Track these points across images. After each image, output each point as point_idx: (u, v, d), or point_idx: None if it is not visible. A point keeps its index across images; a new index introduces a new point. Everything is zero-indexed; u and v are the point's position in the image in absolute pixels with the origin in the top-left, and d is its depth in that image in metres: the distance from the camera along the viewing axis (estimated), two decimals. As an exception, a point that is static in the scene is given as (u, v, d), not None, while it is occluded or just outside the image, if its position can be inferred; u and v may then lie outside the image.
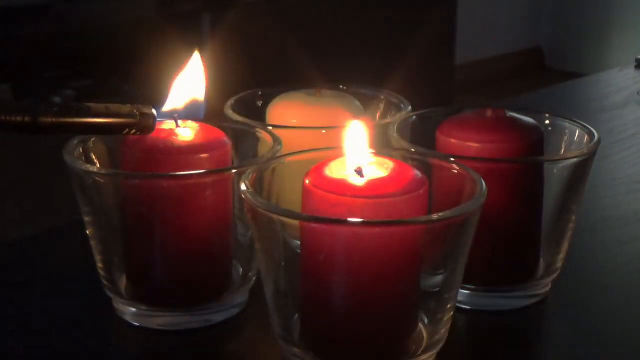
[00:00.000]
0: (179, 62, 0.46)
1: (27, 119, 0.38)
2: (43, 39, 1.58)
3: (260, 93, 0.58)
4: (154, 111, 0.42)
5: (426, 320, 0.42)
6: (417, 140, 0.48)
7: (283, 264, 0.41)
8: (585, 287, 0.52)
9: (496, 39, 3.15)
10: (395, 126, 0.50)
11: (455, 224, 0.39)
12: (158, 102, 0.48)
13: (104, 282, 0.47)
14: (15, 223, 1.31)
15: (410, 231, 0.39)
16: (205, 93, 0.46)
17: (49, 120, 0.39)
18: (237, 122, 0.52)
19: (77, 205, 0.46)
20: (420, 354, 0.41)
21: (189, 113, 0.46)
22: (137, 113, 0.41)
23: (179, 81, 0.46)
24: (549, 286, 0.50)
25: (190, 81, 0.46)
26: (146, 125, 0.41)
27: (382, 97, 0.58)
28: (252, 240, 0.46)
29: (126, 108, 0.41)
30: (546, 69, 3.29)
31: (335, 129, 0.50)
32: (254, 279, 0.48)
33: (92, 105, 0.40)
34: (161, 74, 0.48)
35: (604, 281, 0.53)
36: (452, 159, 0.44)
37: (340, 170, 0.40)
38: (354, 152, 0.41)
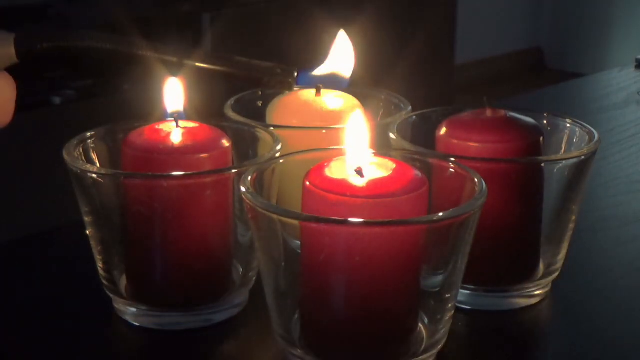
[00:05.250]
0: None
1: (174, 59, 0.42)
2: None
3: (260, 93, 0.58)
4: (295, 73, 0.43)
5: (426, 320, 0.42)
6: (417, 140, 0.48)
7: (283, 264, 0.41)
8: (585, 287, 0.52)
9: (496, 39, 3.15)
10: (395, 126, 0.50)
11: (455, 224, 0.39)
12: (158, 101, 0.48)
13: (104, 282, 0.47)
14: (16, 223, 1.31)
15: (411, 231, 0.39)
16: (353, 69, 0.48)
17: (192, 63, 0.43)
18: (237, 122, 0.52)
19: (77, 205, 0.46)
20: (420, 354, 0.41)
21: (333, 82, 0.48)
22: (278, 70, 0.43)
23: (331, 55, 0.48)
24: (549, 286, 0.50)
25: (339, 56, 0.48)
26: (284, 82, 0.43)
27: (382, 97, 0.58)
28: (252, 240, 0.46)
29: (267, 64, 0.43)
30: (546, 69, 3.29)
31: (335, 129, 0.50)
32: (254, 279, 0.48)
33: (236, 57, 0.43)
34: (161, 74, 0.48)
35: (604, 281, 0.53)
36: (452, 159, 0.44)
37: (340, 170, 0.40)
38: (354, 152, 0.41)
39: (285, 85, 0.44)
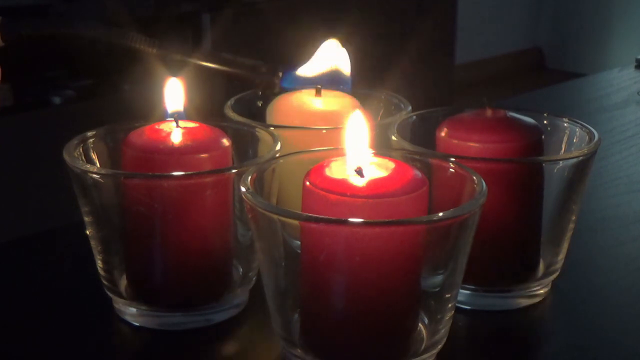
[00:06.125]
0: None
1: (156, 51, 0.42)
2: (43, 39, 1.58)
3: (260, 93, 0.58)
4: (280, 73, 0.43)
5: (426, 320, 0.42)
6: (417, 140, 0.48)
7: (283, 264, 0.41)
8: (585, 287, 0.52)
9: (496, 39, 3.15)
10: (395, 126, 0.50)
11: (455, 224, 0.39)
12: (158, 101, 0.48)
13: (104, 282, 0.47)
14: (16, 223, 1.31)
15: (411, 231, 0.39)
16: (351, 69, 0.47)
17: (177, 56, 0.43)
18: (237, 122, 0.51)
19: (77, 205, 0.46)
20: (420, 354, 0.41)
21: (333, 81, 0.47)
22: (264, 69, 0.43)
23: (321, 51, 0.47)
24: (549, 286, 0.50)
25: (333, 53, 0.47)
26: (269, 82, 0.43)
27: (382, 97, 0.58)
28: (252, 240, 0.46)
29: (253, 61, 0.43)
30: (546, 69, 3.29)
31: (335, 129, 0.50)
32: (254, 279, 0.48)
33: (223, 53, 0.43)
34: (161, 73, 0.48)
35: (603, 281, 0.53)
36: (452, 159, 0.44)
37: (340, 170, 0.40)
38: (354, 152, 0.41)
39: (270, 85, 0.43)
